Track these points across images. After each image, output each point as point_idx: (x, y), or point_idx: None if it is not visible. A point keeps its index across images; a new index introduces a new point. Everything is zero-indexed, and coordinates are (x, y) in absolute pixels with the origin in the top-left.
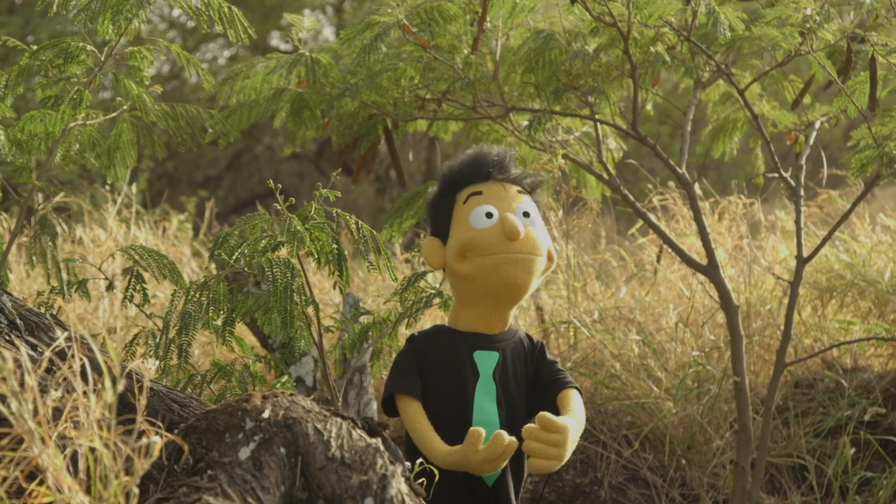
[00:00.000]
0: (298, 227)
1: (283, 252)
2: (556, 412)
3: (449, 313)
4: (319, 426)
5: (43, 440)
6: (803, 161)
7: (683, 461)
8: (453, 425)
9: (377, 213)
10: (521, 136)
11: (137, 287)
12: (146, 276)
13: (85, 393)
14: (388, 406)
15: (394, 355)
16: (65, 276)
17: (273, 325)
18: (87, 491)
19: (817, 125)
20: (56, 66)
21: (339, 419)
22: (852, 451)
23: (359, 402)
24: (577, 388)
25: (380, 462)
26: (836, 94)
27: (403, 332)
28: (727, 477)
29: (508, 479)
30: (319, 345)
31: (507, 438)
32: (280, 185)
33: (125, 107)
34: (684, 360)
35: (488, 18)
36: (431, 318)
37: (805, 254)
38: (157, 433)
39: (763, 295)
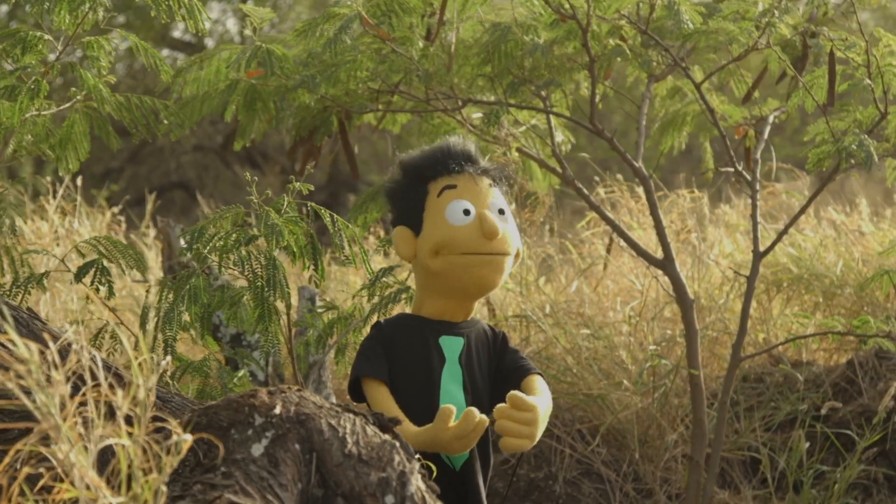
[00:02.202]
0: (277, 221)
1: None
2: None
3: (413, 302)
4: (333, 422)
5: (69, 437)
6: (758, 155)
7: (637, 456)
8: (420, 410)
9: None
10: (472, 129)
11: (103, 280)
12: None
13: (112, 387)
14: (355, 390)
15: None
16: (22, 269)
17: (238, 320)
18: (116, 489)
19: (770, 119)
20: (12, 56)
21: (351, 415)
22: (807, 444)
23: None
24: (540, 374)
25: (397, 458)
26: (788, 89)
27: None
28: (681, 471)
29: (476, 463)
30: (289, 339)
31: (478, 415)
32: (250, 181)
33: (79, 97)
34: (637, 354)
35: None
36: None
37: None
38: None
39: (710, 289)
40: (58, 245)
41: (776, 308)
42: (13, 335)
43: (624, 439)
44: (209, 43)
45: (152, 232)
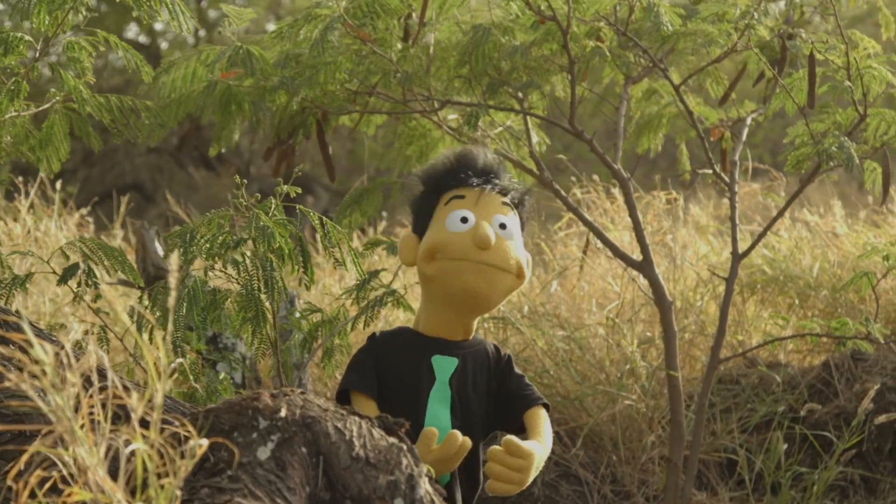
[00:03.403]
0: (267, 223)
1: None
2: (522, 428)
3: (416, 316)
4: (339, 425)
5: (83, 440)
6: (736, 157)
7: (615, 458)
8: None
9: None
10: (450, 130)
11: (89, 282)
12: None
13: (127, 389)
14: (342, 402)
15: (345, 355)
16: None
17: (222, 323)
18: (131, 493)
19: (748, 121)
20: None
21: (356, 417)
22: (784, 446)
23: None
24: (545, 404)
25: (405, 461)
26: (765, 91)
27: (363, 332)
28: (658, 473)
29: (457, 487)
30: (275, 343)
31: (461, 438)
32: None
33: (58, 98)
34: (614, 356)
35: (415, 14)
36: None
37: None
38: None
39: (685, 291)
40: (31, 246)
41: (750, 310)
42: (30, 335)
43: (602, 441)
44: (163, 45)
45: (120, 233)
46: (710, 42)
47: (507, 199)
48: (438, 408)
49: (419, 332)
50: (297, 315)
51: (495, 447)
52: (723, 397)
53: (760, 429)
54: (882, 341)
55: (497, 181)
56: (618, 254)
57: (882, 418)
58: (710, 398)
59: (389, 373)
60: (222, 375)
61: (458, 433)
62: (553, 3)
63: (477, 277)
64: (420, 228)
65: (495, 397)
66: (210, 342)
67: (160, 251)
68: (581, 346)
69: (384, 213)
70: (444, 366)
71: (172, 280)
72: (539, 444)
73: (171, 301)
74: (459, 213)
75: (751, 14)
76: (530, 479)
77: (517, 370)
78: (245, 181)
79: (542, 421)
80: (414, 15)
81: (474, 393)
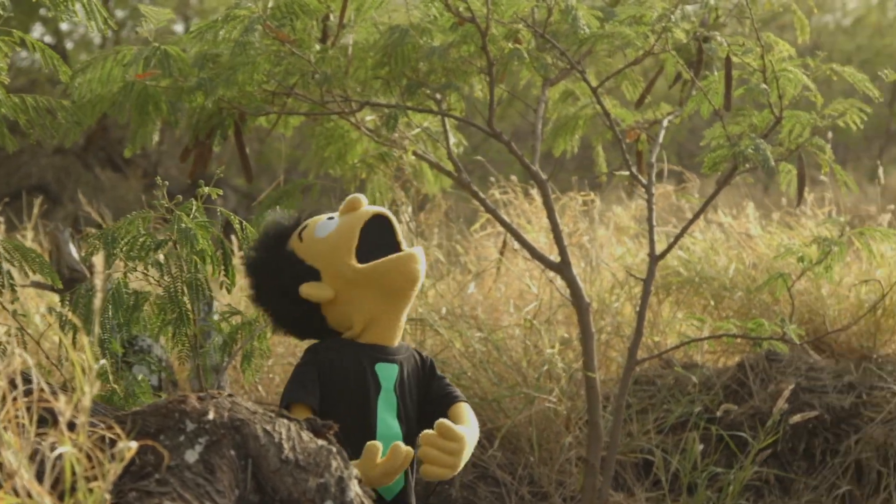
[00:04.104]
0: (190, 226)
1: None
2: None
3: (346, 332)
4: (268, 427)
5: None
6: (653, 159)
7: (532, 459)
8: (356, 438)
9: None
10: (368, 131)
11: (5, 284)
12: None
13: (53, 392)
14: None
15: (265, 359)
16: None
17: (140, 325)
18: (59, 497)
19: (665, 123)
20: None
21: (285, 420)
22: (701, 446)
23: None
24: (466, 401)
25: (335, 464)
26: (681, 94)
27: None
28: (576, 474)
29: (411, 492)
30: (194, 346)
31: (405, 450)
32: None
33: None
34: (532, 357)
35: (333, 15)
36: None
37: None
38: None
39: (601, 293)
40: None
41: (666, 311)
42: None
43: (519, 442)
44: (69, 45)
45: (30, 235)
46: (627, 44)
47: None
48: (387, 415)
49: (356, 342)
50: (216, 317)
51: (428, 431)
52: (639, 398)
53: (676, 429)
54: (797, 342)
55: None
56: (536, 255)
57: (796, 418)
58: (627, 399)
59: (335, 384)
60: (140, 377)
61: (401, 445)
62: (472, 5)
63: (418, 264)
64: (300, 278)
65: (423, 400)
66: (126, 344)
67: (75, 253)
68: (498, 348)
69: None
70: (388, 373)
71: (98, 282)
72: (469, 430)
73: (98, 303)
74: (321, 221)
75: (668, 17)
76: (462, 464)
77: (439, 373)
78: (166, 182)
79: (466, 413)
80: (332, 16)
81: (411, 398)
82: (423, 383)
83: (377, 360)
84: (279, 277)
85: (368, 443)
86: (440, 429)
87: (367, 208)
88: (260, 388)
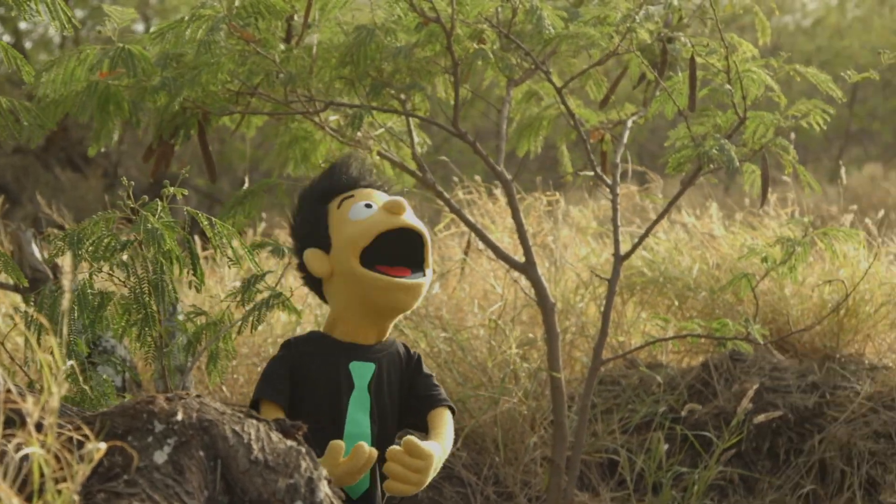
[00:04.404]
0: (157, 226)
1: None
2: (426, 428)
3: (325, 322)
4: (237, 428)
5: None
6: (618, 159)
7: (498, 459)
8: (326, 436)
9: (105, 208)
10: (332, 132)
11: None
12: None
13: (21, 393)
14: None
15: (230, 359)
16: None
17: (103, 325)
18: (27, 498)
19: (629, 123)
20: None
21: (254, 421)
22: (665, 446)
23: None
24: (451, 406)
25: (304, 465)
26: (645, 95)
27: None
28: (541, 474)
29: (377, 492)
30: (159, 346)
31: (368, 450)
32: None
33: None
34: (497, 357)
35: (298, 15)
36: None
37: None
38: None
39: (565, 293)
40: None
41: (630, 311)
42: None
43: (484, 443)
44: (28, 45)
45: None
46: (591, 45)
47: (384, 192)
48: (358, 415)
49: (333, 338)
50: (181, 317)
51: (395, 447)
52: (604, 398)
53: (641, 429)
54: (761, 342)
55: (374, 180)
56: (501, 255)
57: (761, 418)
58: (592, 399)
59: (307, 381)
60: (105, 377)
61: (364, 445)
62: (437, 5)
63: (406, 295)
64: (316, 241)
65: (406, 398)
66: (91, 345)
67: (37, 253)
68: (463, 348)
69: (263, 215)
70: (362, 372)
71: (66, 283)
72: (438, 445)
73: (66, 303)
74: (360, 204)
75: (632, 17)
76: (428, 480)
77: (426, 370)
78: (132, 182)
79: (444, 422)
80: (297, 16)
81: (389, 397)
82: (408, 378)
83: (352, 359)
84: (304, 226)
85: (332, 442)
86: (407, 446)
87: (401, 219)
88: (224, 388)
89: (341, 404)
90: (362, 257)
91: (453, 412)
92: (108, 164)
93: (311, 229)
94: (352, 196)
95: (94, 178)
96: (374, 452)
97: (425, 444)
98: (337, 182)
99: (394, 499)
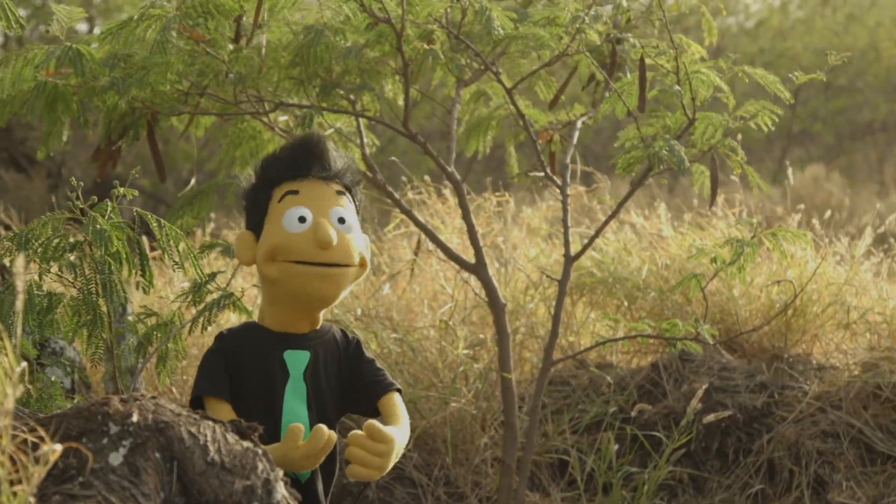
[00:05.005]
0: (105, 227)
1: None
2: (376, 413)
3: (258, 311)
4: (193, 430)
5: None
6: (568, 160)
7: (448, 460)
8: (263, 426)
9: (50, 209)
10: (281, 132)
11: None
12: None
13: None
14: (197, 408)
15: (180, 360)
16: None
17: (54, 327)
18: None
19: (579, 124)
20: None
21: (210, 422)
22: (615, 446)
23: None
24: (398, 389)
25: (261, 466)
26: (594, 96)
27: (200, 336)
28: (492, 475)
29: (318, 476)
30: (110, 346)
31: (328, 433)
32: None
33: None
34: (447, 358)
35: (247, 15)
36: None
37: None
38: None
39: (515, 293)
40: None
41: (580, 311)
42: None
43: (435, 443)
44: None
45: None
46: (541, 46)
47: (341, 187)
48: (295, 404)
49: (266, 328)
50: (131, 318)
51: (357, 431)
52: (554, 399)
53: (591, 429)
54: (711, 342)
55: (329, 169)
56: (451, 256)
57: (710, 418)
58: (541, 399)
59: (242, 371)
60: (54, 379)
61: (323, 428)
62: (387, 6)
63: (323, 282)
64: (255, 225)
65: (348, 384)
66: (39, 347)
67: None
68: (413, 349)
69: (212, 216)
70: (297, 360)
71: (19, 284)
72: (399, 430)
73: (20, 304)
74: (296, 212)
75: (581, 18)
76: (391, 465)
77: (368, 354)
78: (81, 183)
79: (398, 407)
80: (245, 17)
81: (327, 384)
82: (347, 364)
83: (286, 348)
84: (249, 204)
85: (291, 425)
86: (369, 430)
87: (324, 254)
88: (174, 389)
89: (277, 394)
90: None
91: (400, 394)
92: (52, 165)
93: (253, 211)
94: (296, 192)
95: (38, 179)
96: (334, 435)
97: (388, 428)
98: (289, 167)
99: (345, 498)
